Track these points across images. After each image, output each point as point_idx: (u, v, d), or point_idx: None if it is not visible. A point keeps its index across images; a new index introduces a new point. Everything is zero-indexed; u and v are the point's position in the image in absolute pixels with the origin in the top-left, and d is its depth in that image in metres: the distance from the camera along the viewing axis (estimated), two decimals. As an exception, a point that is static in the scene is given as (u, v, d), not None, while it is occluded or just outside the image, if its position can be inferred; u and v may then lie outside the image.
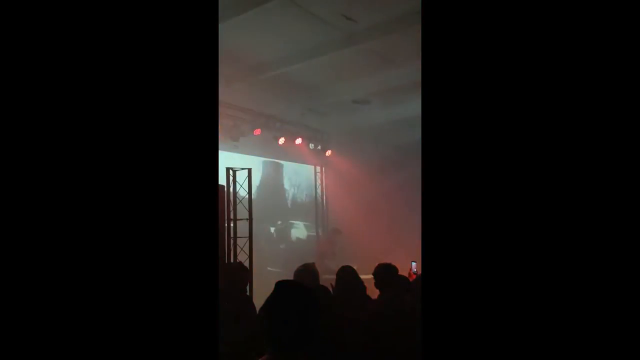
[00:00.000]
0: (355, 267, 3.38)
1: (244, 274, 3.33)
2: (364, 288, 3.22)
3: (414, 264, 4.39)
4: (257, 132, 7.47)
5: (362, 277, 3.40)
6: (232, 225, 5.12)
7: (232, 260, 4.93)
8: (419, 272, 4.12)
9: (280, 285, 1.57)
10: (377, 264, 3.35)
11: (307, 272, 3.22)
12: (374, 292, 3.33)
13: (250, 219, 5.19)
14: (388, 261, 3.40)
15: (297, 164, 10.56)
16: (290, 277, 3.14)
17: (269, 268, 8.52)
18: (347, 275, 3.21)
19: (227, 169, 5.34)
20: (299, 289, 1.59)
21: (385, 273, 3.25)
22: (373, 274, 3.31)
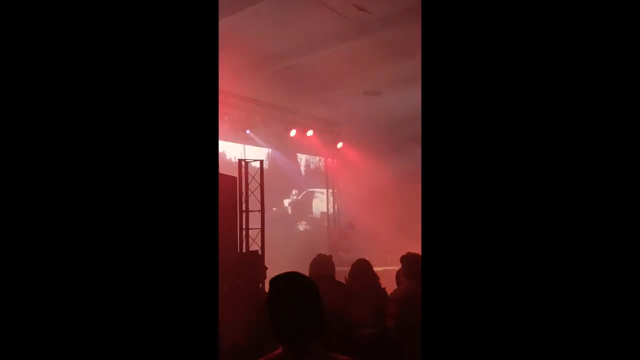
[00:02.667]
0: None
1: (256, 262, 3.31)
2: (378, 281, 3.22)
3: None
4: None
5: (375, 269, 3.40)
6: (244, 216, 5.15)
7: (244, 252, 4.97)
8: None
9: (275, 280, 1.58)
10: (406, 253, 3.31)
11: (323, 263, 3.22)
12: (386, 284, 3.32)
13: (262, 211, 5.21)
14: (398, 253, 3.38)
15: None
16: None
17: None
18: (362, 268, 3.19)
19: (240, 161, 5.37)
20: (294, 281, 1.59)
21: (415, 263, 3.20)
22: (401, 262, 3.27)
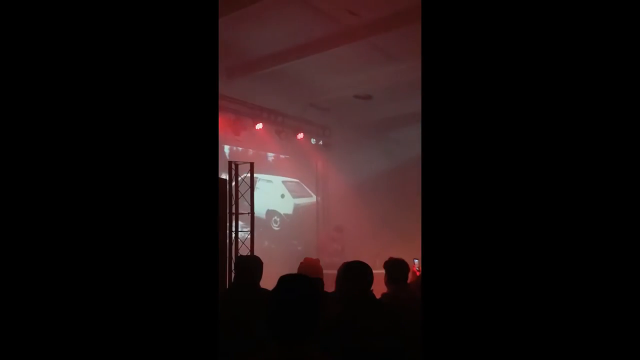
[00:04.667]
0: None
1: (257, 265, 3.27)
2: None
3: (416, 261, 4.36)
4: (259, 126, 7.47)
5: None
6: (233, 219, 5.12)
7: (233, 255, 4.95)
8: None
9: (285, 279, 1.59)
10: (388, 259, 3.32)
11: (311, 267, 3.21)
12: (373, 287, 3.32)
13: (252, 213, 5.19)
14: (387, 257, 3.38)
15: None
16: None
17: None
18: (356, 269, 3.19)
19: (230, 163, 5.34)
20: (303, 282, 1.60)
21: (395, 269, 3.21)
22: (384, 268, 3.28)
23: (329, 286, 3.22)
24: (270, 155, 8.37)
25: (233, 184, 5.19)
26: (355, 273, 2.49)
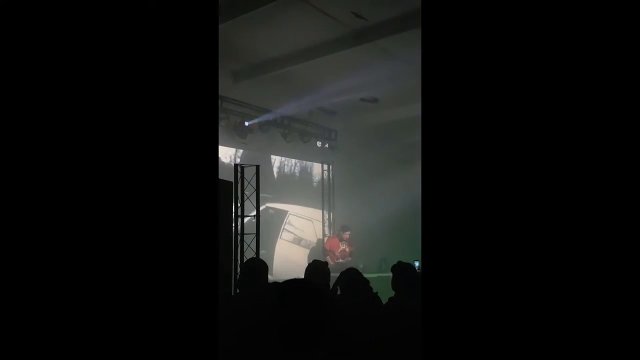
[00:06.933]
0: (361, 266, 3.38)
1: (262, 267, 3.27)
2: (370, 287, 3.22)
3: (417, 263, 4.37)
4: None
5: (368, 275, 3.40)
6: (239, 221, 5.13)
7: (239, 258, 4.96)
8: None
9: (289, 284, 1.56)
10: (396, 262, 3.32)
11: (318, 270, 3.20)
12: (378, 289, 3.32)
13: (257, 216, 5.20)
14: (394, 259, 3.38)
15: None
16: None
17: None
18: (352, 276, 3.20)
19: (235, 165, 5.36)
20: (308, 289, 1.57)
21: (403, 273, 3.20)
22: (392, 272, 3.29)
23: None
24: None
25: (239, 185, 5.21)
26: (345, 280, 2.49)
